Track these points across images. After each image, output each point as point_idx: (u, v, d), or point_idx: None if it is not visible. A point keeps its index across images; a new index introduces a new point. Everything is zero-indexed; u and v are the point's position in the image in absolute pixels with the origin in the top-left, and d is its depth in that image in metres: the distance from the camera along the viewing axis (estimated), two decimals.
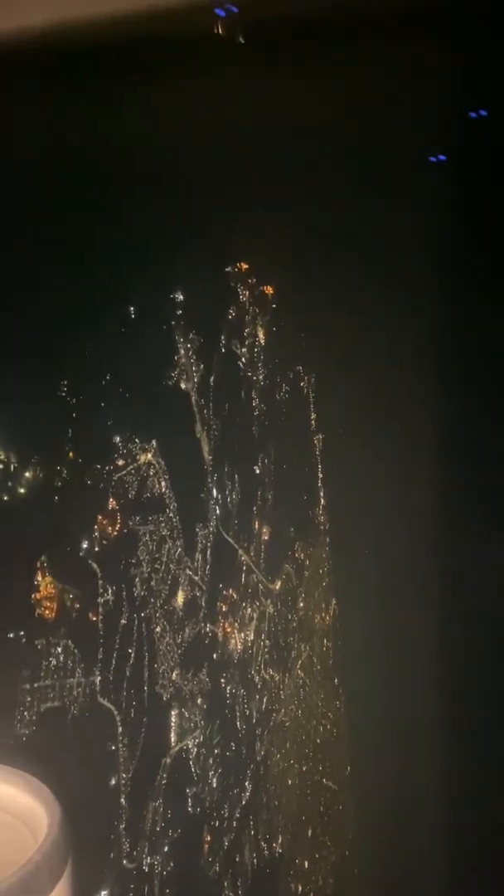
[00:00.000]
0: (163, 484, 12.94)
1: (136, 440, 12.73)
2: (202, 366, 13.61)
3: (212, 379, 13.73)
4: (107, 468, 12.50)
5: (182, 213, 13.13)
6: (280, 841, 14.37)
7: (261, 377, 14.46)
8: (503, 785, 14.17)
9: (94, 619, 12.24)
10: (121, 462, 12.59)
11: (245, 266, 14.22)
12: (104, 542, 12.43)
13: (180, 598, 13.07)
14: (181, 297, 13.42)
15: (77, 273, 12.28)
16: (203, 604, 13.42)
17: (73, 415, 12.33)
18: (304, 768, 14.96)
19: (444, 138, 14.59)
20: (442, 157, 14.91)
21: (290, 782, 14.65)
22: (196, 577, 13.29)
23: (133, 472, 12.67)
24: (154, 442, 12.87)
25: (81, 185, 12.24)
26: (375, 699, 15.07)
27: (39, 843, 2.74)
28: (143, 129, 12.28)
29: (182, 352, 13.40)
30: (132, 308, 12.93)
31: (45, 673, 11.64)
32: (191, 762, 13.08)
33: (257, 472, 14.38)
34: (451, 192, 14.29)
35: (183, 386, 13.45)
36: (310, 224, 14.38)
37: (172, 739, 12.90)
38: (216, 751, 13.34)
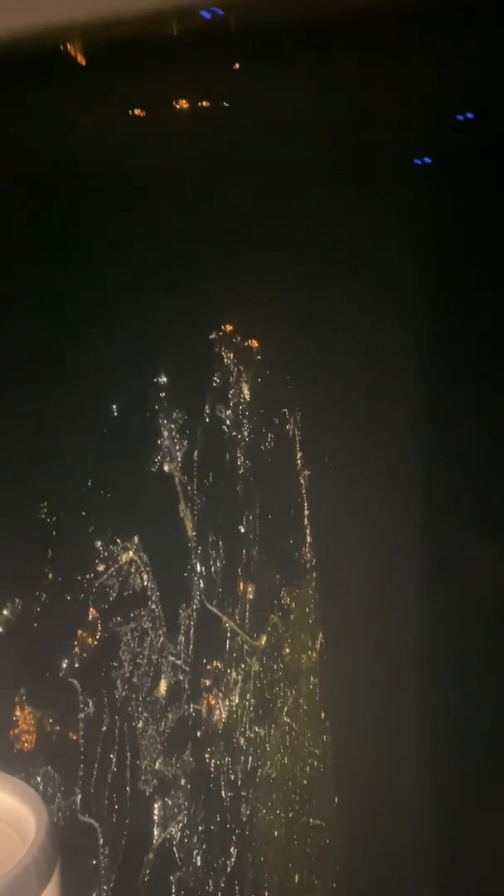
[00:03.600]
0: (144, 577, 12.52)
1: (118, 540, 12.27)
2: (186, 442, 12.97)
3: (195, 453, 13.09)
4: (87, 577, 12.03)
5: (159, 283, 12.38)
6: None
7: (245, 433, 13.79)
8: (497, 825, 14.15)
9: (75, 737, 11.90)
10: (101, 567, 12.15)
11: (230, 328, 13.39)
12: (84, 654, 12.05)
13: (163, 686, 12.79)
14: (164, 379, 12.66)
15: (55, 380, 11.61)
16: (186, 686, 13.11)
17: (53, 532, 11.80)
18: (290, 814, 14.91)
19: (431, 141, 13.79)
20: (427, 160, 14.04)
21: (276, 833, 14.60)
22: (179, 662, 12.95)
23: (114, 574, 12.19)
24: (136, 538, 12.40)
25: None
26: (365, 740, 14.94)
27: (28, 846, 2.73)
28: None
29: (165, 434, 12.75)
30: (114, 406, 12.22)
31: None
32: (175, 848, 12.95)
33: (242, 531, 13.86)
34: (438, 195, 13.50)
35: (166, 468, 12.90)
36: (290, 252, 13.60)
37: (156, 833, 12.75)
38: (201, 828, 13.20)
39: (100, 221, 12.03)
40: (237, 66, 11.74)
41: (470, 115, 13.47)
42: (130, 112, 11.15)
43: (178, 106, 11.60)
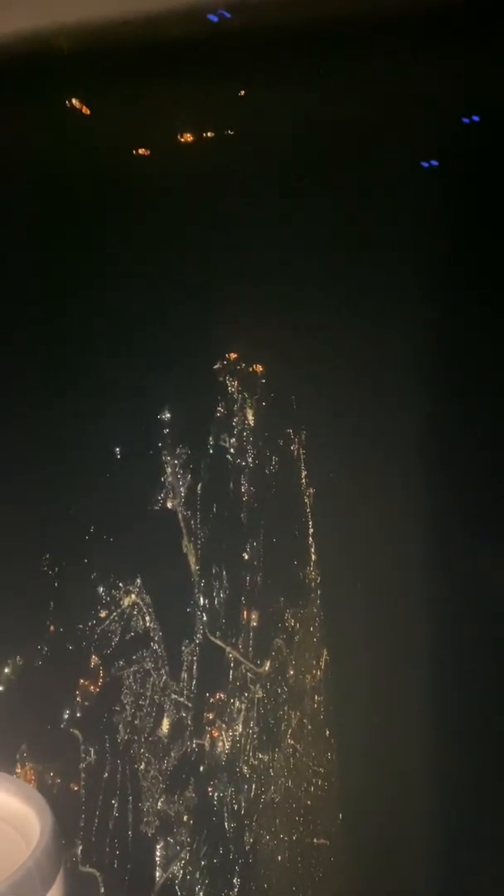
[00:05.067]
0: (147, 618, 12.19)
1: (120, 584, 11.94)
2: (189, 476, 12.59)
3: (199, 486, 12.72)
4: (89, 624, 11.71)
5: (163, 318, 11.99)
6: None
7: (250, 459, 13.42)
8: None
9: (76, 787, 11.65)
10: (103, 613, 11.79)
11: (234, 356, 12.97)
12: (86, 703, 11.76)
13: (165, 725, 12.50)
14: (168, 415, 12.26)
15: (59, 426, 11.24)
16: (189, 721, 12.85)
17: (55, 584, 11.44)
18: (294, 837, 14.74)
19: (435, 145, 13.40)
20: (434, 163, 13.63)
21: (279, 857, 14.43)
22: (181, 699, 12.67)
23: (116, 618, 11.88)
24: (138, 579, 12.04)
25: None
26: (370, 756, 14.78)
27: (31, 849, 2.71)
28: None
29: (169, 470, 12.36)
30: (118, 449, 11.82)
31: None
32: (177, 886, 12.77)
33: (246, 558, 13.53)
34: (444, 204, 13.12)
35: (170, 505, 12.49)
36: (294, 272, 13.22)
37: (158, 874, 12.55)
38: (203, 862, 13.01)
39: (101, 255, 11.58)
40: (242, 92, 11.23)
41: (476, 118, 12.98)
42: (134, 151, 10.63)
43: (181, 138, 11.08)
